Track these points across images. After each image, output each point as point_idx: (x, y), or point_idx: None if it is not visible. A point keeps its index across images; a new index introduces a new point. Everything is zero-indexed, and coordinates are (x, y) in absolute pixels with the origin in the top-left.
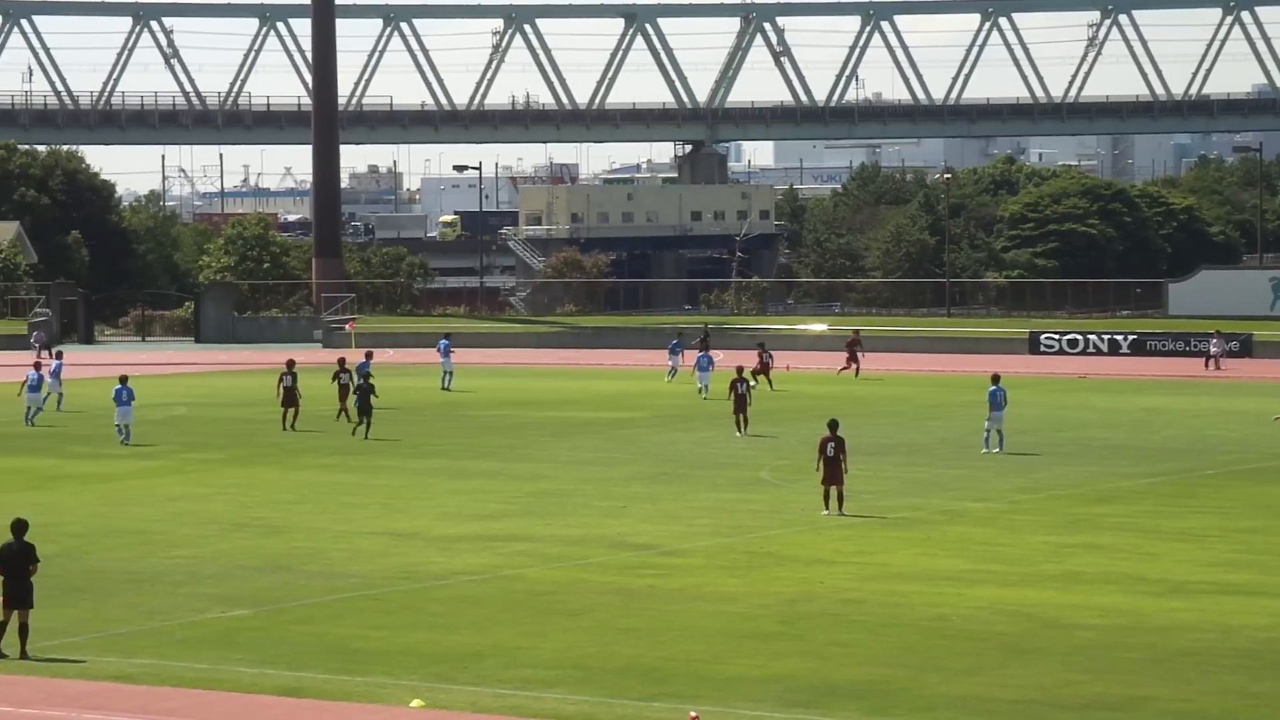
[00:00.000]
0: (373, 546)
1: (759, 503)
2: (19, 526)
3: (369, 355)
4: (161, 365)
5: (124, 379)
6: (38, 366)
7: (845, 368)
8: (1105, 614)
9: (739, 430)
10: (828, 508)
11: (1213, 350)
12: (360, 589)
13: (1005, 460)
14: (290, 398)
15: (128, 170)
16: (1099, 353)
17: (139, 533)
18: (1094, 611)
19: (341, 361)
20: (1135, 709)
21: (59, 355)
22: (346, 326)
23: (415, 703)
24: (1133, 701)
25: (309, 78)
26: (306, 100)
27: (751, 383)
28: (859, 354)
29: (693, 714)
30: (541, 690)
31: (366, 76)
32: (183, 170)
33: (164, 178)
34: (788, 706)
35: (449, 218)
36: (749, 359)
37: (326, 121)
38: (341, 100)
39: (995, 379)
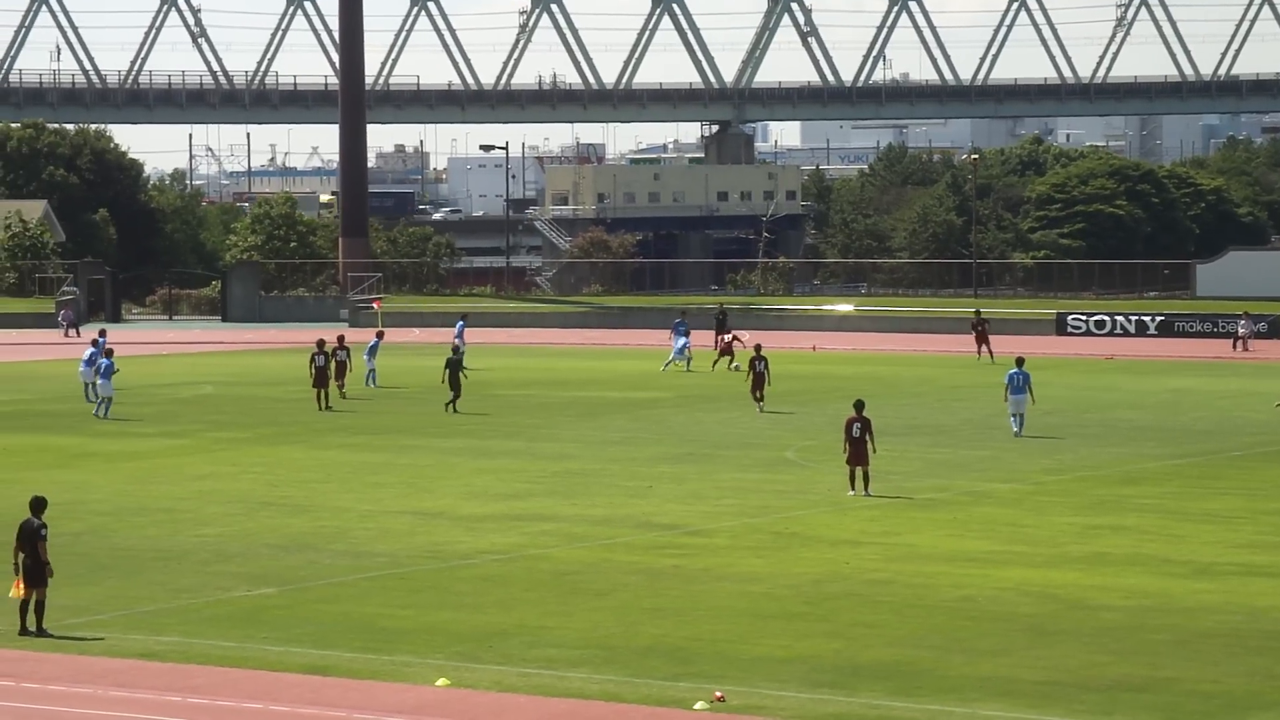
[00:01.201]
0: (399, 525)
1: (784, 483)
2: (35, 504)
3: (380, 335)
4: (188, 344)
5: (109, 352)
6: (95, 343)
7: (980, 352)
8: (1131, 595)
9: (759, 407)
10: (853, 488)
11: (1240, 331)
12: (386, 568)
13: (1031, 441)
14: (322, 378)
15: (155, 149)
16: (1126, 334)
17: (166, 511)
18: (1120, 593)
19: (341, 339)
20: (1160, 690)
21: (102, 333)
22: (373, 306)
23: (440, 681)
24: (1158, 683)
25: (336, 57)
26: (334, 79)
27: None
28: (988, 335)
29: (718, 694)
30: (566, 669)
31: (393, 56)
32: (210, 149)
33: (191, 157)
34: (813, 687)
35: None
36: (769, 339)
37: (353, 101)
38: (368, 79)
39: (1019, 362)
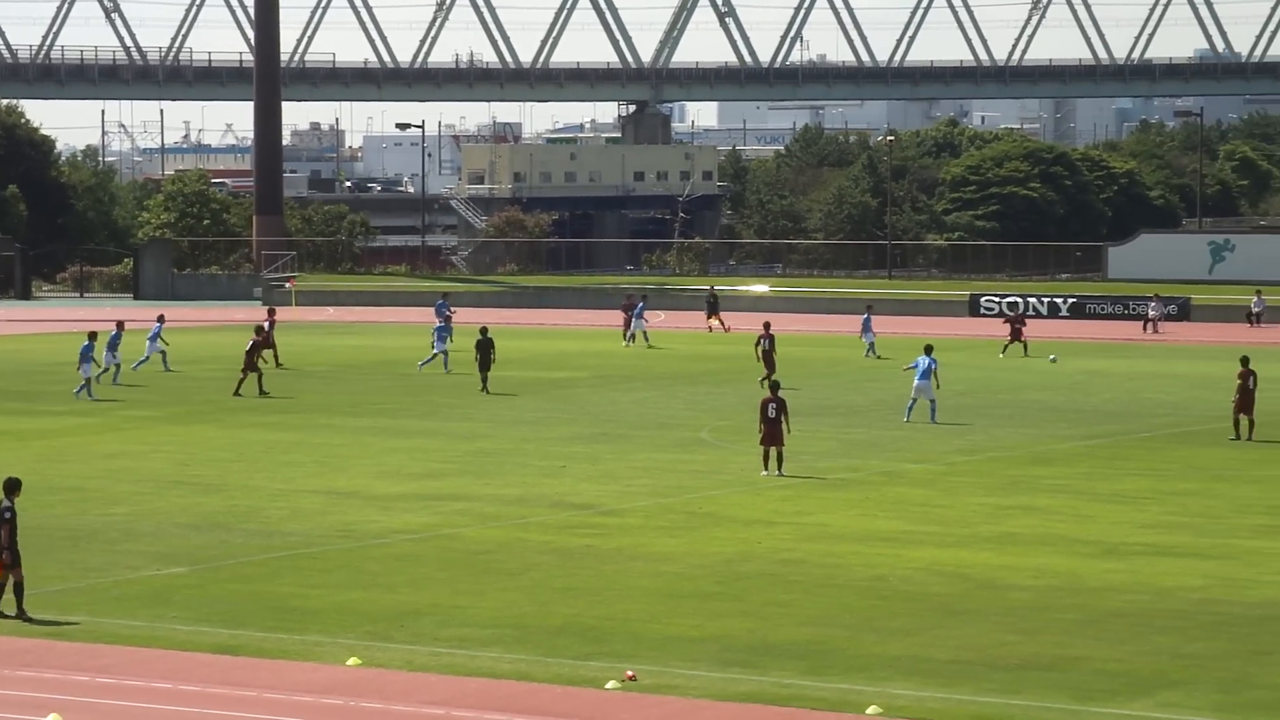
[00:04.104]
0: (311, 505)
1: (698, 463)
2: (6, 486)
3: (449, 312)
4: (100, 322)
5: (121, 325)
6: (120, 325)
7: (1011, 341)
8: (1040, 575)
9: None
10: (767, 468)
11: (1151, 314)
12: (298, 547)
13: (944, 421)
14: (253, 362)
15: (67, 125)
16: (1039, 315)
17: (76, 490)
18: (1029, 573)
19: (271, 311)
20: (1068, 669)
21: (120, 326)
22: (287, 284)
23: (351, 661)
24: (1065, 662)
25: (251, 33)
26: (249, 56)
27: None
28: (1021, 328)
29: (629, 673)
30: (478, 649)
31: (309, 33)
32: (123, 126)
33: (104, 133)
34: (725, 666)
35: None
36: (684, 319)
37: (268, 78)
38: (284, 57)
39: (927, 349)
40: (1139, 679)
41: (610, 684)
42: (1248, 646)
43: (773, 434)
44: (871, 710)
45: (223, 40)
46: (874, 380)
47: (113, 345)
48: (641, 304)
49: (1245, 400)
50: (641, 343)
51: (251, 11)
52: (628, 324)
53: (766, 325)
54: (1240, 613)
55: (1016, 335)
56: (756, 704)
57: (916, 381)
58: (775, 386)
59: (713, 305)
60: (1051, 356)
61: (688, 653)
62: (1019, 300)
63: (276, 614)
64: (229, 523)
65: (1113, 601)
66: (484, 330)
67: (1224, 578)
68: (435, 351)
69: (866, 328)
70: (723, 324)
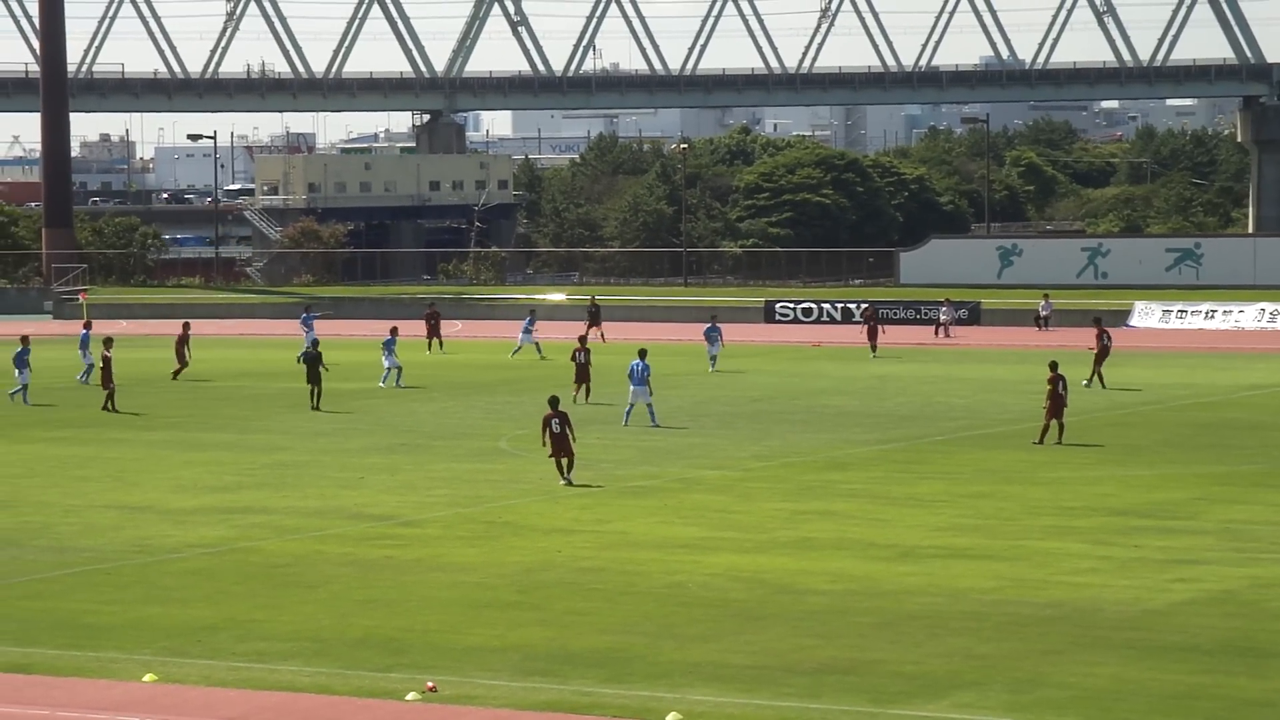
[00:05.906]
0: (105, 520)
1: (497, 472)
2: None
3: (394, 331)
4: None
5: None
6: (25, 340)
7: (871, 341)
8: (837, 579)
9: (576, 398)
10: (564, 478)
11: (942, 318)
12: (92, 563)
13: (741, 427)
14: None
15: None
16: (832, 321)
17: None
18: (826, 577)
19: (186, 325)
20: (865, 672)
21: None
22: (79, 298)
23: (148, 677)
24: (863, 665)
25: (37, 44)
26: (35, 67)
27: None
28: (879, 327)
29: (430, 684)
30: (277, 663)
31: (97, 43)
32: None
33: None
34: (525, 675)
35: None
36: (481, 328)
37: (55, 89)
38: (71, 67)
39: (641, 354)
40: (934, 680)
41: (410, 695)
42: (1039, 646)
43: (561, 447)
44: (671, 717)
45: (8, 51)
46: (672, 388)
47: (21, 360)
48: (531, 317)
49: (1056, 405)
50: (534, 353)
51: (36, 21)
52: (432, 332)
53: (582, 339)
54: (1031, 613)
55: (873, 335)
56: (557, 713)
57: (632, 386)
58: (555, 402)
59: (594, 315)
60: (1084, 381)
61: (488, 663)
62: (832, 304)
63: (70, 631)
64: (20, 539)
65: (908, 604)
66: (315, 343)
67: (1016, 579)
68: (388, 367)
69: (711, 338)
70: (601, 334)
